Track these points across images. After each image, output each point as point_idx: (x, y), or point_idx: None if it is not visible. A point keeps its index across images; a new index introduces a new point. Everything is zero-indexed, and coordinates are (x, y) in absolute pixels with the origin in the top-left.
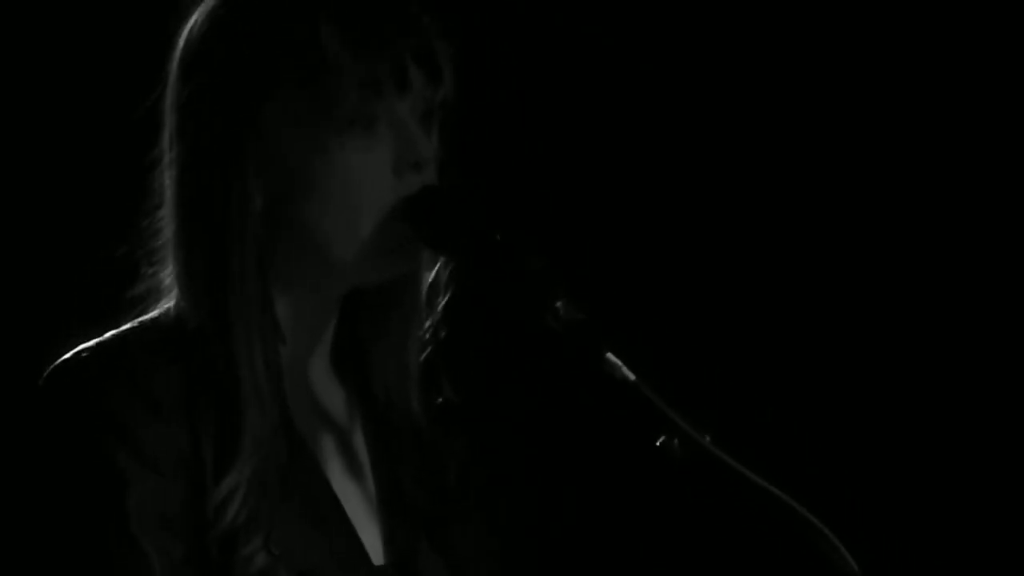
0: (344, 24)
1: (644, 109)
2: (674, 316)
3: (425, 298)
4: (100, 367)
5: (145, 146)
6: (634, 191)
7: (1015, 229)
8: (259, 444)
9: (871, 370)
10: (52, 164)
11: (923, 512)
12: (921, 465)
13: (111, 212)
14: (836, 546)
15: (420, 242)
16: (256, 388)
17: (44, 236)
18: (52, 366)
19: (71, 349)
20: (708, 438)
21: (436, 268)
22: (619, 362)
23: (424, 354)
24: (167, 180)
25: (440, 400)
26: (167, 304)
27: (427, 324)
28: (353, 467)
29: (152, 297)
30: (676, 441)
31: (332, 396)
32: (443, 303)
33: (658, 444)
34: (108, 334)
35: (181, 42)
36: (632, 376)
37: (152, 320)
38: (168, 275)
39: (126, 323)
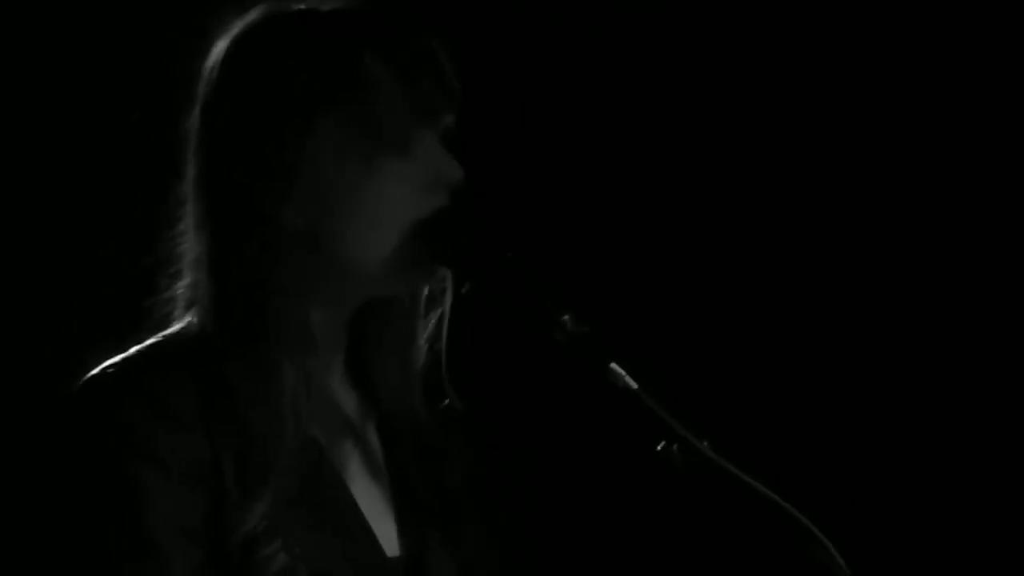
0: (386, 53)
1: (643, 115)
2: (674, 317)
3: (424, 308)
4: (125, 383)
5: (158, 158)
6: (633, 197)
7: (1015, 229)
8: (285, 455)
9: (871, 370)
10: (71, 178)
11: (923, 512)
12: (921, 465)
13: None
14: (827, 548)
15: (435, 260)
16: (286, 400)
17: (64, 247)
18: (81, 381)
19: (97, 363)
20: (706, 443)
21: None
22: (622, 371)
23: (426, 361)
24: (193, 196)
25: (444, 405)
26: (187, 318)
27: (427, 333)
28: (369, 465)
29: (171, 309)
30: (676, 447)
31: (347, 400)
32: (442, 313)
33: (659, 449)
34: (132, 350)
35: (220, 60)
36: (635, 385)
37: (174, 335)
38: (187, 289)
39: (148, 338)
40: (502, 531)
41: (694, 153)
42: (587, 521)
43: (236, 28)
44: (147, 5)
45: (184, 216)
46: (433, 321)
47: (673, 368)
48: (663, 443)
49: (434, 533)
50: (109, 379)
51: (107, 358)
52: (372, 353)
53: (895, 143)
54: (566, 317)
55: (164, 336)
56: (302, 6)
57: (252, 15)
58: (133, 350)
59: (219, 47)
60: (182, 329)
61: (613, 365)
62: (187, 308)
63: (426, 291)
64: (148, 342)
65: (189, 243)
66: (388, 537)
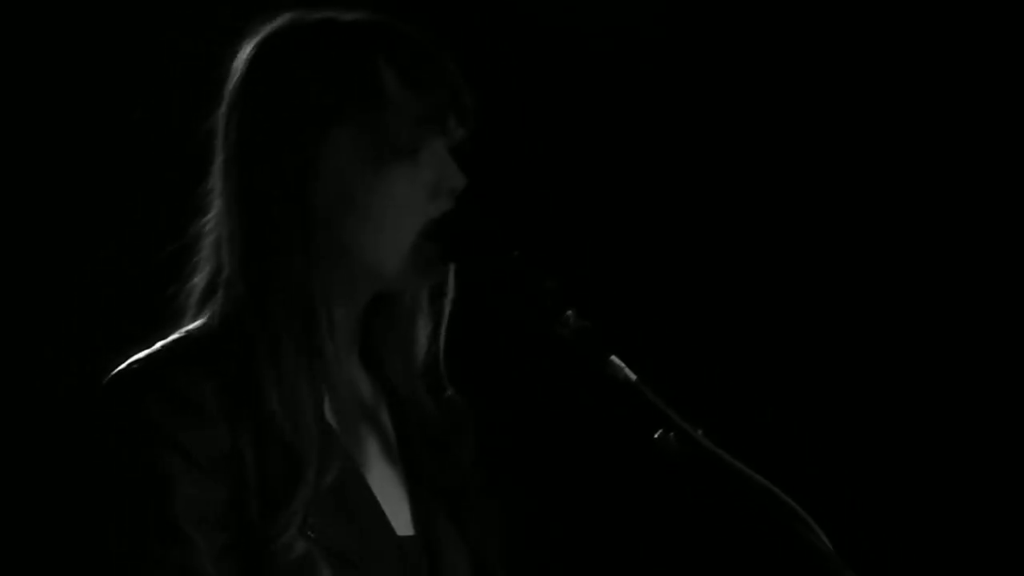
0: (401, 65)
1: (643, 114)
2: (674, 318)
3: (427, 302)
4: (150, 378)
5: (158, 158)
6: (635, 195)
7: (1015, 229)
8: (308, 448)
9: (870, 370)
10: (71, 178)
11: (923, 512)
12: (921, 465)
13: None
14: (813, 528)
15: (447, 259)
16: (305, 392)
17: (64, 247)
18: (108, 376)
19: (124, 358)
20: (700, 431)
21: (447, 282)
22: (622, 364)
23: (428, 355)
24: (219, 188)
25: (447, 394)
26: (207, 313)
27: (432, 328)
28: (382, 449)
29: (192, 297)
30: (672, 435)
31: (362, 385)
32: (443, 310)
33: (655, 437)
34: (157, 345)
35: (245, 63)
36: (634, 377)
37: (196, 330)
38: (211, 276)
39: (172, 333)
40: (503, 517)
41: (695, 152)
42: (585, 509)
43: (262, 33)
44: (148, 5)
45: (211, 206)
46: (435, 317)
47: (673, 369)
48: (660, 431)
49: (444, 515)
50: (135, 375)
51: (131, 354)
52: (380, 341)
53: (895, 143)
54: (569, 312)
55: (186, 332)
56: (325, 14)
57: (277, 22)
58: (157, 345)
59: (245, 51)
60: (203, 325)
61: (613, 358)
62: (209, 295)
63: (427, 289)
64: (171, 338)
65: (215, 233)
66: (401, 518)
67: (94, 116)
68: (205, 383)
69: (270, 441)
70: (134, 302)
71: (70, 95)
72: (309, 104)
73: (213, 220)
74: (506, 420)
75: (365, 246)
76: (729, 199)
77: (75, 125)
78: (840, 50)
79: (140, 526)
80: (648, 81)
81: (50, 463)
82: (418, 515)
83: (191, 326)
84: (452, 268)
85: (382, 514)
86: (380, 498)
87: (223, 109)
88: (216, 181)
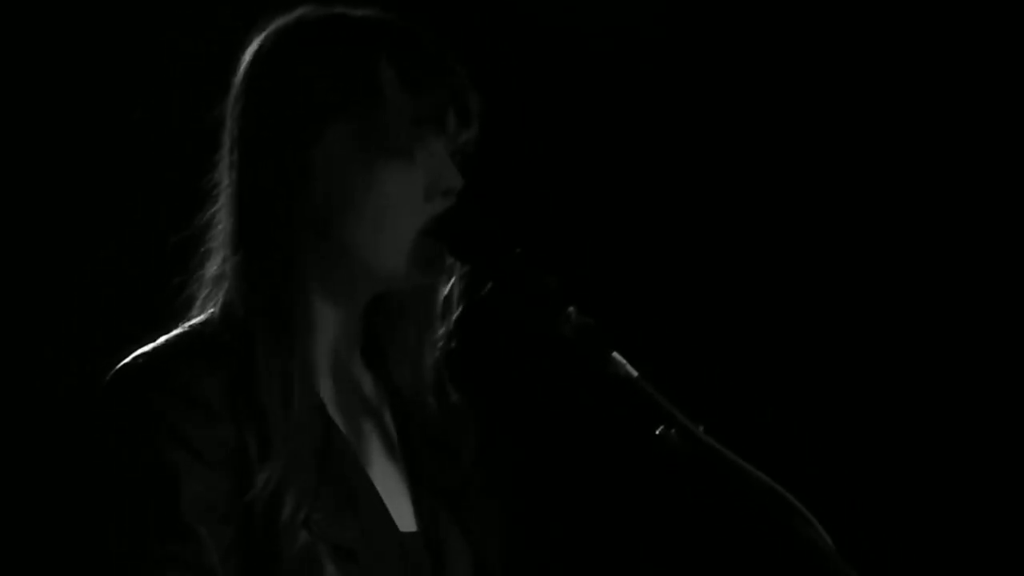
0: (401, 67)
1: (643, 114)
2: (674, 318)
3: (440, 310)
4: (154, 373)
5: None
6: (635, 195)
7: (1015, 229)
8: (298, 434)
9: (870, 370)
10: (71, 177)
11: (923, 512)
12: (921, 465)
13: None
14: (813, 524)
15: (448, 256)
16: (304, 387)
17: (64, 247)
18: (113, 371)
19: (126, 355)
20: (702, 428)
21: (451, 282)
22: (624, 360)
23: (433, 352)
24: (225, 181)
25: (449, 394)
26: (210, 309)
27: (440, 332)
28: (385, 446)
29: (198, 289)
30: (673, 431)
31: (365, 383)
32: (448, 311)
33: (657, 433)
34: (160, 339)
35: (251, 56)
36: (635, 373)
37: (199, 324)
38: (215, 274)
39: (176, 327)
40: (504, 516)
41: (695, 152)
42: (586, 509)
43: (270, 28)
44: (148, 5)
45: (218, 198)
46: (441, 318)
47: (673, 368)
48: (661, 427)
49: (445, 512)
50: (139, 370)
51: (134, 349)
52: (386, 344)
53: (895, 143)
54: (570, 309)
55: (190, 326)
56: (334, 10)
57: (286, 17)
58: (161, 340)
59: (253, 44)
60: (207, 319)
61: (615, 354)
62: (214, 288)
63: (443, 294)
64: (175, 332)
65: (222, 224)
66: (403, 514)
67: (94, 116)
68: (209, 378)
69: (271, 436)
70: (134, 302)
71: (70, 95)
72: (308, 100)
73: (219, 212)
74: (507, 419)
75: (363, 245)
76: (729, 199)
77: (75, 125)
78: (840, 50)
79: (145, 522)
80: (648, 81)
81: (53, 460)
82: (420, 512)
83: (195, 320)
84: (458, 270)
85: (385, 510)
86: (382, 494)
87: (229, 100)
88: (221, 172)
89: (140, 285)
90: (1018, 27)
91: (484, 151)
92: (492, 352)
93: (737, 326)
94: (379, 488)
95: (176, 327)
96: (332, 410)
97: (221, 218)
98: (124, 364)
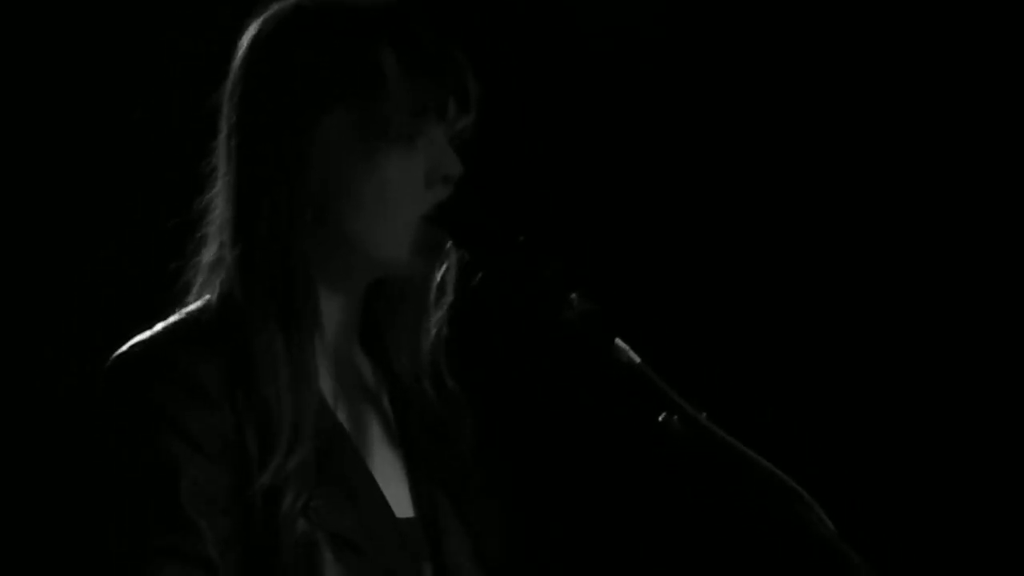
0: (403, 53)
1: (643, 114)
2: (674, 318)
3: (434, 295)
4: (153, 361)
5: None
6: (635, 194)
7: (1015, 229)
8: (298, 422)
9: (871, 370)
10: (71, 177)
11: (923, 512)
12: (921, 465)
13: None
14: (815, 510)
15: (449, 243)
16: (303, 372)
17: (64, 247)
18: (110, 360)
19: (125, 341)
20: (704, 414)
21: (449, 268)
22: (627, 347)
23: (431, 340)
24: (221, 167)
25: (447, 384)
26: (207, 296)
27: (436, 317)
28: (382, 432)
29: (194, 276)
30: (676, 418)
31: (363, 370)
32: (447, 298)
33: (660, 420)
34: (158, 327)
35: (249, 41)
36: (638, 359)
37: (198, 311)
38: (211, 260)
39: (172, 315)
40: (502, 503)
41: (695, 152)
42: (586, 504)
43: (268, 12)
44: (148, 5)
45: (214, 183)
46: (439, 304)
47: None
48: (664, 414)
49: (443, 497)
50: (138, 359)
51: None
52: (385, 330)
53: (895, 143)
54: (573, 296)
55: (187, 313)
56: None
57: (283, 3)
58: (159, 327)
59: (251, 29)
60: (204, 306)
61: (618, 341)
62: (210, 274)
63: (438, 276)
64: (172, 319)
65: (218, 210)
66: (400, 500)
67: (94, 116)
68: (207, 365)
69: (269, 423)
70: (134, 302)
71: (70, 95)
72: (309, 86)
73: (216, 197)
74: (508, 409)
75: (362, 232)
76: (729, 199)
77: (75, 125)
78: (840, 50)
79: (145, 513)
80: (648, 81)
81: (53, 452)
82: (418, 498)
83: (192, 306)
84: (456, 257)
85: (381, 495)
86: (380, 481)
87: (226, 86)
88: (218, 158)
89: (140, 285)
90: (1018, 27)
91: (485, 151)
92: (494, 341)
93: (737, 326)
94: (376, 474)
95: (173, 314)
96: (331, 396)
97: (217, 204)
98: (122, 353)
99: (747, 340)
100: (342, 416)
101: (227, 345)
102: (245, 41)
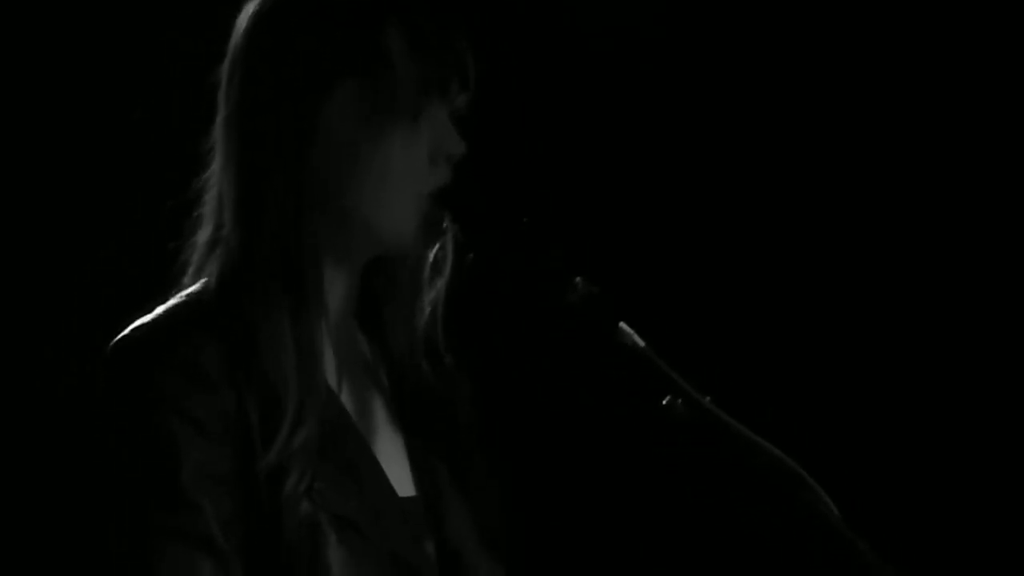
0: (408, 29)
1: (643, 114)
2: (674, 318)
3: (429, 273)
4: (154, 344)
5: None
6: (635, 194)
7: (1015, 229)
8: (307, 403)
9: (871, 370)
10: (71, 177)
11: (923, 512)
12: (921, 465)
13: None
14: (819, 493)
15: (451, 223)
16: (304, 350)
17: (64, 247)
18: (111, 345)
19: (127, 324)
20: (708, 398)
21: (448, 246)
22: (631, 330)
23: (428, 320)
24: (221, 142)
25: (445, 362)
26: (205, 276)
27: (432, 295)
28: (382, 410)
29: (192, 255)
30: (680, 401)
31: (361, 347)
32: (444, 275)
33: (664, 403)
34: (159, 309)
35: (251, 17)
36: (642, 343)
37: (197, 293)
38: (208, 240)
39: (171, 297)
40: (502, 482)
41: (695, 152)
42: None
43: None
44: (148, 5)
45: (213, 160)
46: (434, 282)
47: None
48: (668, 398)
49: (444, 475)
50: (139, 343)
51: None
52: (382, 307)
53: (895, 142)
54: (578, 279)
55: (187, 295)
56: None
57: None
58: (159, 310)
59: (251, 5)
60: (203, 287)
61: (622, 324)
62: (208, 254)
63: (432, 253)
64: (172, 302)
65: (215, 188)
66: (402, 478)
67: (94, 116)
68: (208, 347)
69: (275, 403)
70: (134, 302)
71: (70, 95)
72: (314, 63)
73: (213, 177)
74: (511, 393)
75: (364, 210)
76: (729, 199)
77: (75, 125)
78: (840, 50)
79: (147, 494)
80: (648, 81)
81: (54, 442)
82: (419, 476)
83: (190, 288)
84: (453, 234)
85: (382, 473)
86: (381, 460)
87: (226, 64)
88: (217, 137)
89: (140, 285)
90: (1018, 27)
91: (485, 150)
92: (496, 324)
93: (736, 326)
94: (377, 453)
95: (171, 296)
96: (334, 376)
97: (214, 183)
98: (123, 337)
99: (750, 326)
100: (345, 395)
101: (229, 327)
102: (246, 17)
